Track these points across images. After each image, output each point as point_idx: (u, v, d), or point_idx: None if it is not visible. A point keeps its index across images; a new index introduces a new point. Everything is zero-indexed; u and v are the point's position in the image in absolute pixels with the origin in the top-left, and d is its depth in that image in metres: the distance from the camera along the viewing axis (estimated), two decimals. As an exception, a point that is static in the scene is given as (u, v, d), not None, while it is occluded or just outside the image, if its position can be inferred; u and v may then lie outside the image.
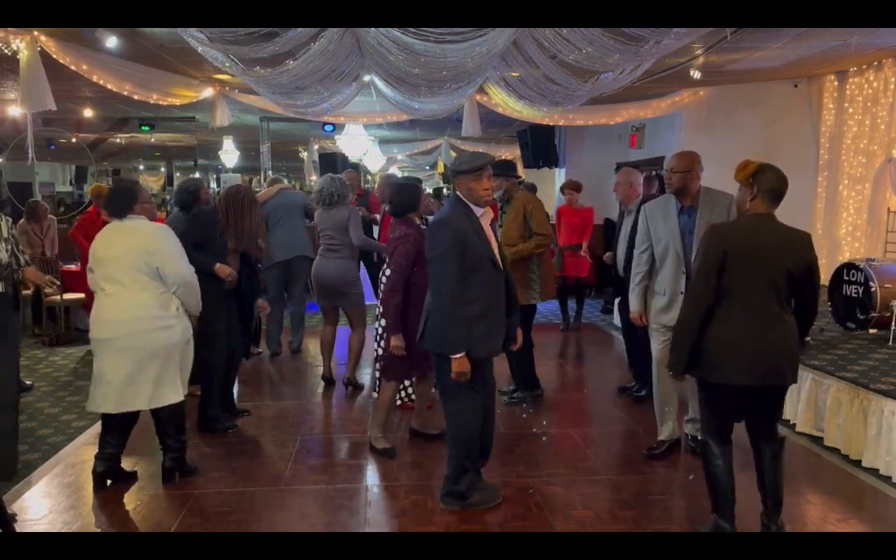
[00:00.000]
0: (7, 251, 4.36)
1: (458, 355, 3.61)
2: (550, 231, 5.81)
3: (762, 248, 3.24)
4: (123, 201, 4.14)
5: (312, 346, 7.54)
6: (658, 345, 4.48)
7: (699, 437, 3.58)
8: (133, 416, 4.18)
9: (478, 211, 3.76)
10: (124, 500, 4.07)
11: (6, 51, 6.32)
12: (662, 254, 4.38)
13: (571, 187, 8.88)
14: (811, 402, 5.06)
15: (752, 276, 3.23)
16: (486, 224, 3.78)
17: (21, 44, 6.22)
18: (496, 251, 3.80)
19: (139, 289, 3.99)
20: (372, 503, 4.03)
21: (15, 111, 9.55)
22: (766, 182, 3.31)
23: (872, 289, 5.83)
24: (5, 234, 4.41)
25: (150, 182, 21.50)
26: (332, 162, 11.74)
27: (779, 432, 3.50)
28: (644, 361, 5.12)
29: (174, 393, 4.12)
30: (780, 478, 3.43)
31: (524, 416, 5.48)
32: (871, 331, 5.92)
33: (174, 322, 4.08)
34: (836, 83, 8.82)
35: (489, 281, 3.72)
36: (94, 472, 4.17)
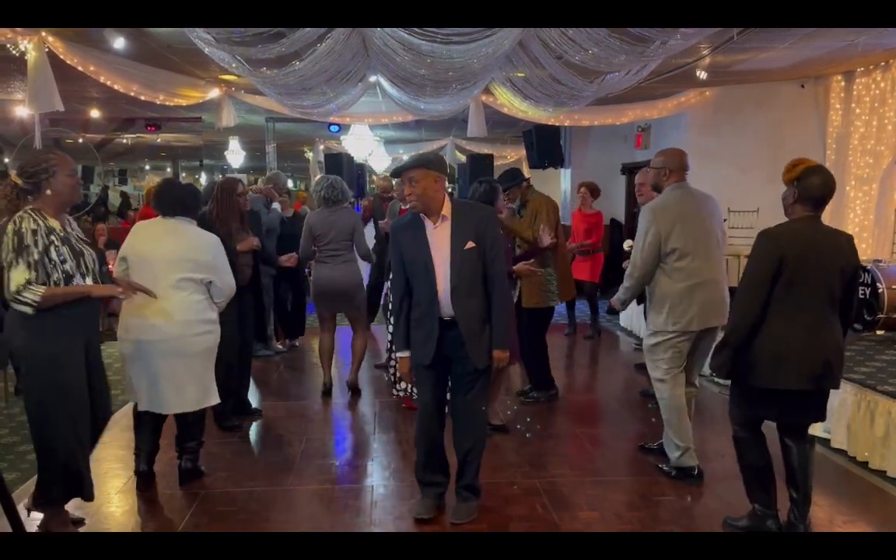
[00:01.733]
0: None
1: (400, 354, 3.82)
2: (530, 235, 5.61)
3: (817, 251, 3.23)
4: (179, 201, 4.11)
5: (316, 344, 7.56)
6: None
7: (733, 435, 3.55)
8: (165, 416, 4.16)
9: (428, 216, 3.65)
10: (133, 500, 4.08)
11: (14, 52, 6.35)
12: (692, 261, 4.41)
13: (587, 188, 8.41)
14: (818, 404, 5.04)
15: (809, 280, 3.22)
16: (438, 233, 3.63)
17: (29, 45, 6.26)
18: (440, 261, 3.61)
19: (189, 291, 3.94)
20: (378, 503, 4.03)
21: (22, 111, 9.60)
22: (810, 188, 3.29)
23: (880, 290, 5.81)
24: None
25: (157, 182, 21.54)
26: (337, 162, 11.72)
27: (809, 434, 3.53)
28: None
29: (216, 395, 4.16)
30: (812, 475, 3.45)
31: (528, 418, 5.47)
32: (879, 332, 5.91)
33: (215, 326, 4.09)
34: (843, 84, 8.79)
35: (424, 289, 3.65)
36: (136, 471, 4.18)
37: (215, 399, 4.15)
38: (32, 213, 3.29)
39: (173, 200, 4.09)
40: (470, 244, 3.57)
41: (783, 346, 3.24)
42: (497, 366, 3.73)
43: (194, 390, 4.03)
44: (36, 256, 3.23)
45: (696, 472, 4.26)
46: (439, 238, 3.61)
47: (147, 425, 4.13)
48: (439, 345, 3.65)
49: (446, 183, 3.74)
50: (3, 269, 3.24)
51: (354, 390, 6.07)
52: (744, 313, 3.31)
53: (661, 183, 4.31)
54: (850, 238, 3.36)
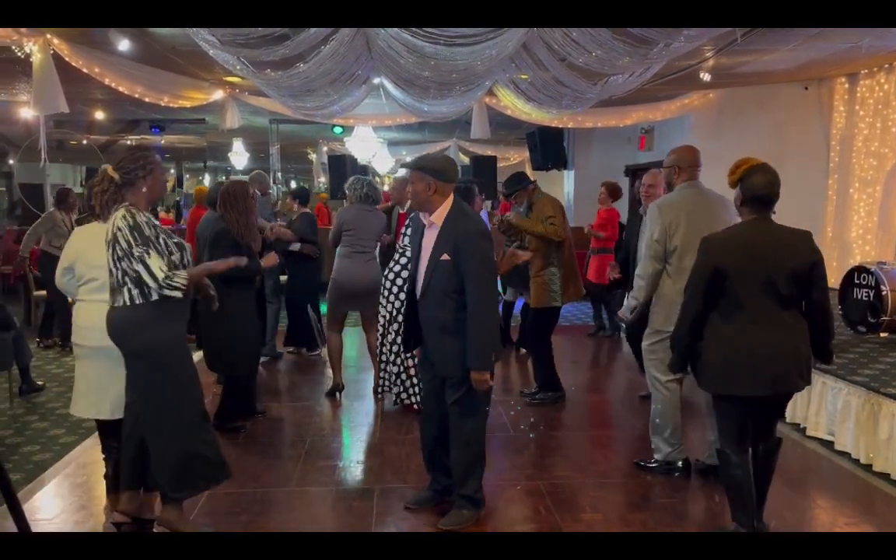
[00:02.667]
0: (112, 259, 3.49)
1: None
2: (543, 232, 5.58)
3: (759, 254, 3.17)
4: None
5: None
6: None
7: (717, 448, 3.53)
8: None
9: (424, 219, 3.72)
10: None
11: (19, 53, 6.38)
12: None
13: (606, 188, 8.15)
14: (822, 406, 5.03)
15: (753, 284, 3.18)
16: (427, 238, 3.67)
17: (34, 47, 6.28)
18: (423, 266, 3.66)
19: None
20: (381, 505, 4.03)
21: (27, 113, 9.63)
22: (751, 188, 3.23)
23: (884, 292, 5.80)
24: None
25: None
26: (341, 164, 11.77)
27: (776, 433, 3.52)
28: None
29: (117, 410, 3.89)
30: (770, 474, 3.44)
31: (532, 418, 5.48)
32: (883, 334, 5.90)
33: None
34: (846, 86, 8.79)
35: (412, 287, 3.80)
36: (106, 476, 4.10)
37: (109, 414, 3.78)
38: (133, 209, 3.31)
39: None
40: (445, 256, 3.54)
41: (731, 352, 3.23)
42: (477, 388, 3.56)
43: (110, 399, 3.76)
44: (159, 246, 3.29)
45: (680, 464, 4.34)
46: (427, 243, 3.66)
47: (110, 429, 3.93)
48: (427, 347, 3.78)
49: (447, 188, 3.60)
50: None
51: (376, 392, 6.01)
52: (681, 318, 3.40)
53: (673, 181, 4.32)
54: (805, 235, 3.25)
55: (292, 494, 4.16)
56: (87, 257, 3.70)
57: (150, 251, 3.24)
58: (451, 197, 3.63)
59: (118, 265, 3.27)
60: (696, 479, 4.33)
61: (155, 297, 3.25)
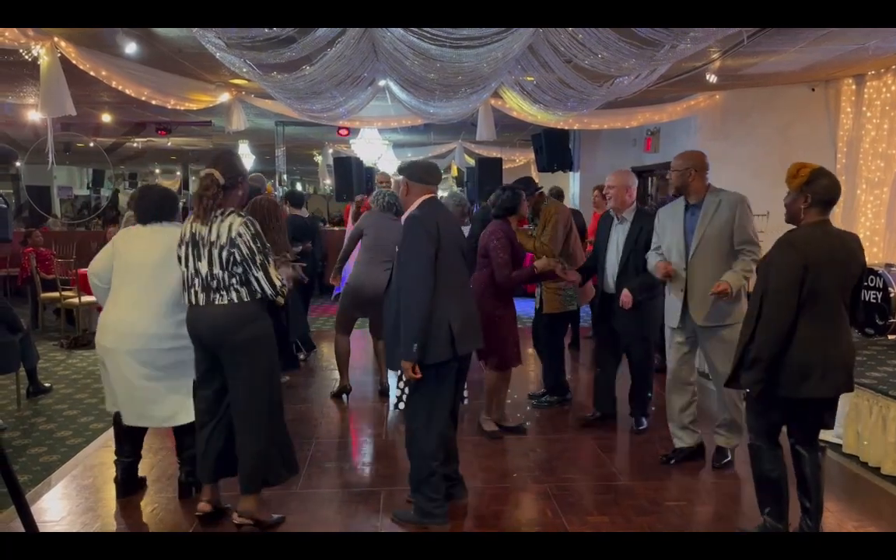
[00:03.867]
0: (219, 260, 3.51)
1: None
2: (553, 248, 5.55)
3: (835, 256, 3.21)
4: None
5: (325, 349, 7.58)
6: (671, 353, 4.51)
7: (748, 442, 3.52)
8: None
9: None
10: (142, 503, 4.10)
11: (27, 56, 6.40)
12: (666, 252, 4.44)
13: (599, 191, 8.03)
14: (829, 409, 5.01)
15: (828, 285, 3.19)
16: None
17: (41, 50, 6.30)
18: None
19: (167, 299, 3.92)
20: (388, 506, 4.02)
21: (35, 116, 9.68)
22: (820, 191, 3.23)
23: (892, 294, 5.78)
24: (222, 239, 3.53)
25: (167, 186, 21.66)
26: (346, 166, 11.77)
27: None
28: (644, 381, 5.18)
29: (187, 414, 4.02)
30: (823, 483, 3.45)
31: (540, 421, 5.47)
32: (891, 337, 5.88)
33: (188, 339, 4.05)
34: (853, 87, 8.75)
35: None
36: (116, 480, 4.14)
37: (184, 418, 3.92)
38: (250, 218, 3.54)
39: (152, 206, 4.02)
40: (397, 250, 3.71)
41: (810, 356, 3.19)
42: (406, 377, 3.60)
43: (165, 406, 3.90)
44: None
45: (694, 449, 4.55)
46: None
47: (125, 434, 4.06)
48: None
49: (418, 188, 3.78)
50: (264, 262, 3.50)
51: (386, 392, 6.07)
52: (777, 328, 3.19)
53: (689, 182, 4.36)
54: (857, 238, 3.35)
55: (299, 496, 4.16)
56: (136, 257, 3.88)
57: (269, 259, 3.53)
58: (427, 197, 3.77)
59: (230, 268, 3.46)
60: (706, 481, 4.32)
61: (259, 296, 3.52)
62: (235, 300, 3.48)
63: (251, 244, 3.45)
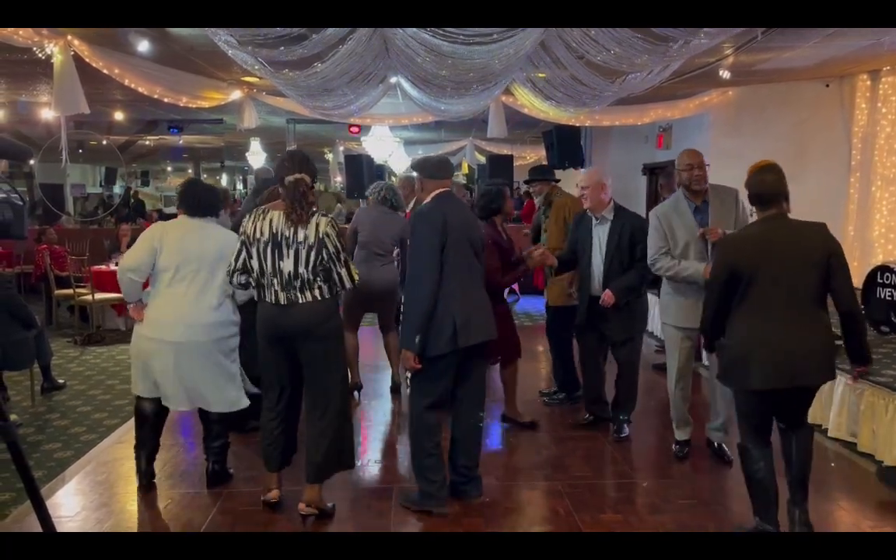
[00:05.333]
0: (305, 260, 3.61)
1: None
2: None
3: (773, 251, 3.22)
4: None
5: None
6: (677, 352, 4.49)
7: (738, 443, 3.53)
8: (166, 416, 4.26)
9: None
10: (156, 499, 4.12)
11: (40, 55, 6.44)
12: (682, 254, 4.36)
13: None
14: (844, 407, 4.97)
15: (770, 280, 3.22)
16: None
17: (55, 48, 6.34)
18: None
19: (215, 291, 4.09)
20: (399, 504, 4.02)
21: (48, 114, 9.74)
22: (751, 187, 3.37)
23: (907, 292, 5.73)
24: (311, 239, 3.63)
25: (178, 183, 21.77)
26: (357, 163, 11.77)
27: (808, 422, 3.53)
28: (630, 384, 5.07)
29: (244, 399, 4.31)
30: (808, 464, 3.43)
31: (551, 419, 5.45)
32: (906, 335, 5.82)
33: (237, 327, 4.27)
34: (868, 83, 8.67)
35: None
36: (137, 470, 4.20)
37: (245, 402, 4.21)
38: (332, 219, 3.72)
39: (200, 200, 4.17)
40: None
41: (746, 349, 3.28)
42: (404, 366, 3.82)
43: (227, 391, 4.12)
44: None
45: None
46: None
47: (148, 424, 4.17)
48: None
49: (430, 184, 3.89)
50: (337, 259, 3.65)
51: (397, 389, 6.06)
52: (704, 316, 3.53)
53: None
54: (819, 227, 3.28)
55: (311, 493, 4.16)
56: (184, 248, 3.99)
57: (349, 256, 3.77)
58: (439, 191, 3.84)
59: (316, 267, 3.59)
60: (718, 480, 4.30)
61: (336, 291, 3.73)
62: (318, 297, 3.64)
63: (337, 243, 3.63)
